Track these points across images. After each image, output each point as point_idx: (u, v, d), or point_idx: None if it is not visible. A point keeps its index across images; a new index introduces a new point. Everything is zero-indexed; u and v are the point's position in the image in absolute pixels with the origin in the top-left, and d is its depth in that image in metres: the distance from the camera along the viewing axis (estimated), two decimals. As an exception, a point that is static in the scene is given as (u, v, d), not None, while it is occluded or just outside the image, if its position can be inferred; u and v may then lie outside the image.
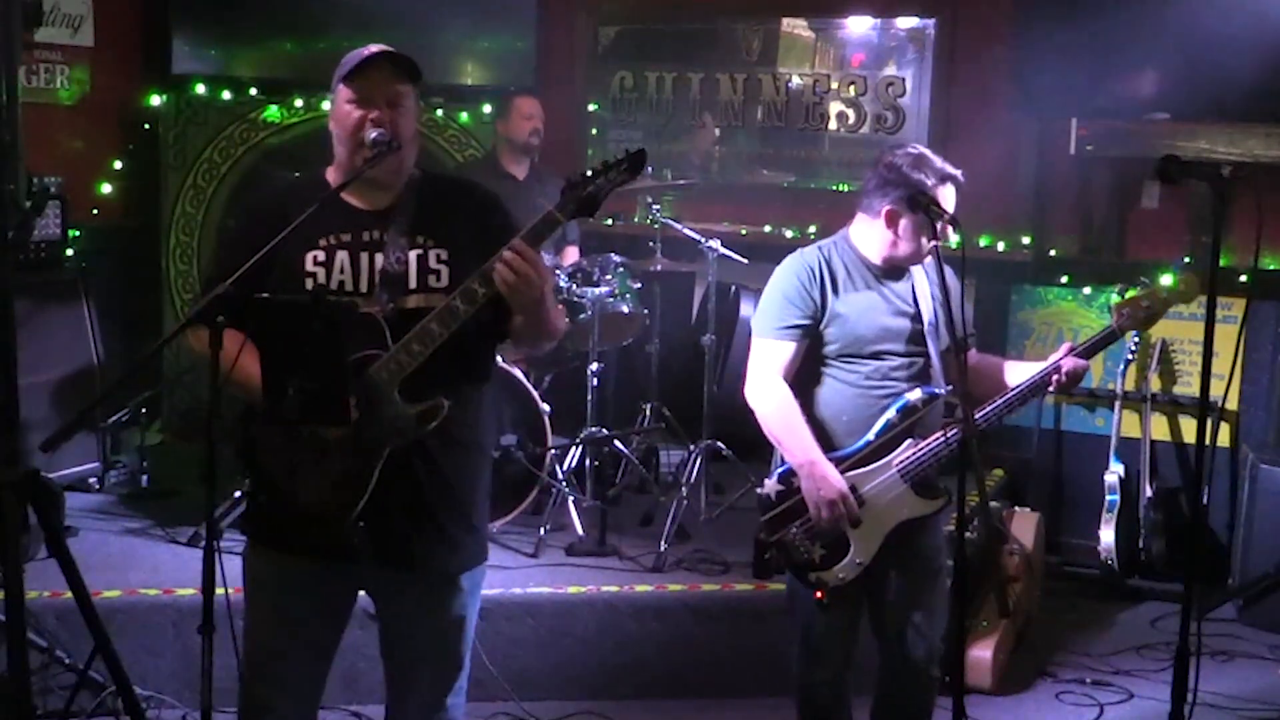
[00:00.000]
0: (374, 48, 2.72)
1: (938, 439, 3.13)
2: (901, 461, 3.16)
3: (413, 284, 2.68)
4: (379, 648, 2.91)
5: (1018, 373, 3.28)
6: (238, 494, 4.47)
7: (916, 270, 3.28)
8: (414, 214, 2.72)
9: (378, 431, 2.59)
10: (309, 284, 2.65)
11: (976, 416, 3.08)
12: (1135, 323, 3.25)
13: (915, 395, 3.18)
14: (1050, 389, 3.24)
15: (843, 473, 3.14)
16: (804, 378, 3.22)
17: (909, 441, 3.17)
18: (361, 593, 2.89)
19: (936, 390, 3.21)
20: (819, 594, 3.18)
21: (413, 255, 2.69)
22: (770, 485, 3.23)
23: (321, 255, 2.67)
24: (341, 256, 2.67)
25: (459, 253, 2.71)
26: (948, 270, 3.11)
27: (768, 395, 3.18)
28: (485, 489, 2.88)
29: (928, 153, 3.18)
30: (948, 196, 3.15)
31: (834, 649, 3.31)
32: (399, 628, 2.85)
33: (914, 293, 3.26)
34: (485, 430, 2.90)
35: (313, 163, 2.86)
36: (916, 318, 3.23)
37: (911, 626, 3.29)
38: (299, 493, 2.62)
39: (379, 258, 2.68)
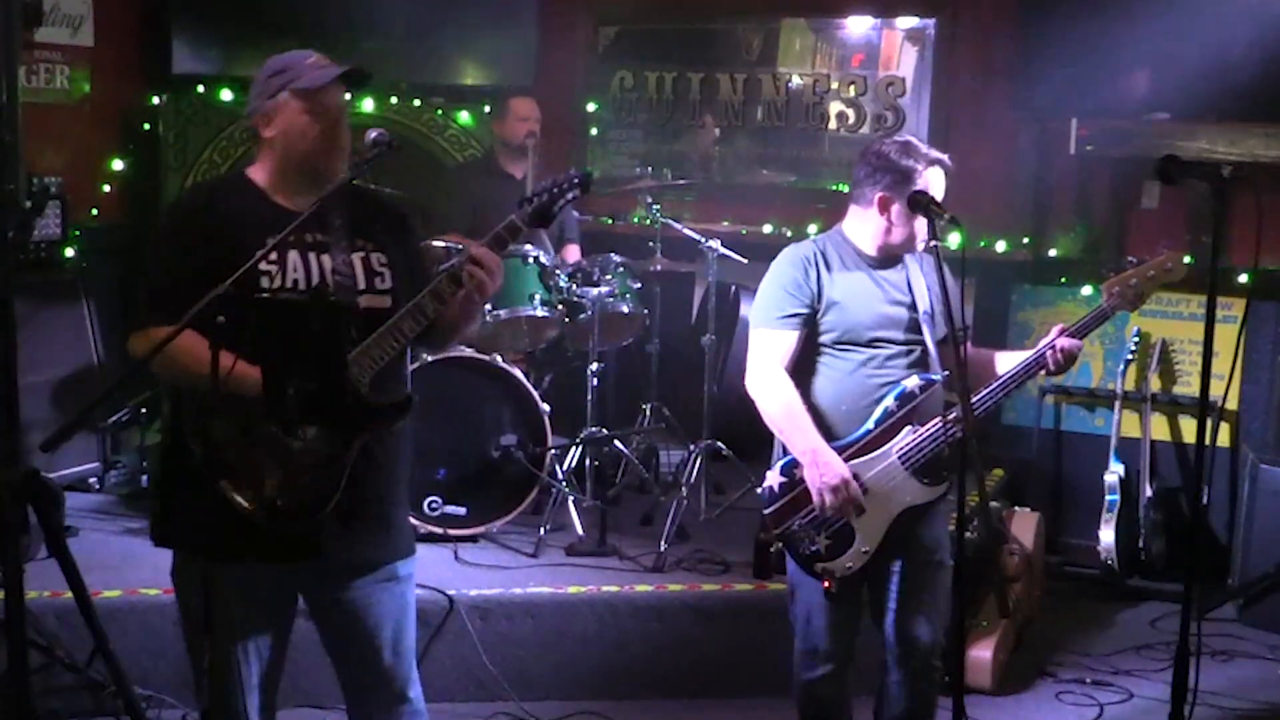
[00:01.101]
0: (321, 59, 2.75)
1: (937, 425, 3.14)
2: (902, 449, 3.18)
3: (361, 285, 2.74)
4: (328, 652, 2.92)
5: (1009, 361, 3.29)
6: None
7: (910, 261, 3.32)
8: (347, 218, 2.77)
9: (349, 425, 2.62)
10: (264, 282, 2.66)
11: (973, 401, 3.11)
12: (1125, 301, 3.25)
13: (913, 382, 3.21)
14: (1047, 370, 3.24)
15: (844, 461, 3.16)
16: (803, 367, 3.26)
17: (909, 428, 3.18)
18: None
19: (934, 377, 3.23)
20: (827, 584, 3.20)
21: (356, 258, 2.76)
22: (773, 478, 3.24)
23: (273, 254, 2.67)
24: (293, 256, 2.70)
25: (393, 257, 2.82)
26: (945, 268, 3.14)
27: (769, 386, 3.21)
28: (409, 479, 2.98)
29: (914, 140, 3.26)
30: (935, 180, 3.20)
31: (834, 645, 3.31)
32: (351, 624, 2.85)
33: (908, 282, 3.29)
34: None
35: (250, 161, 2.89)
36: (912, 306, 3.26)
37: (914, 617, 3.30)
38: (267, 492, 2.59)
39: (325, 259, 2.72)
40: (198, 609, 2.69)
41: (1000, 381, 3.21)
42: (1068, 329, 3.24)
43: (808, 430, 3.17)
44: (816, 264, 3.24)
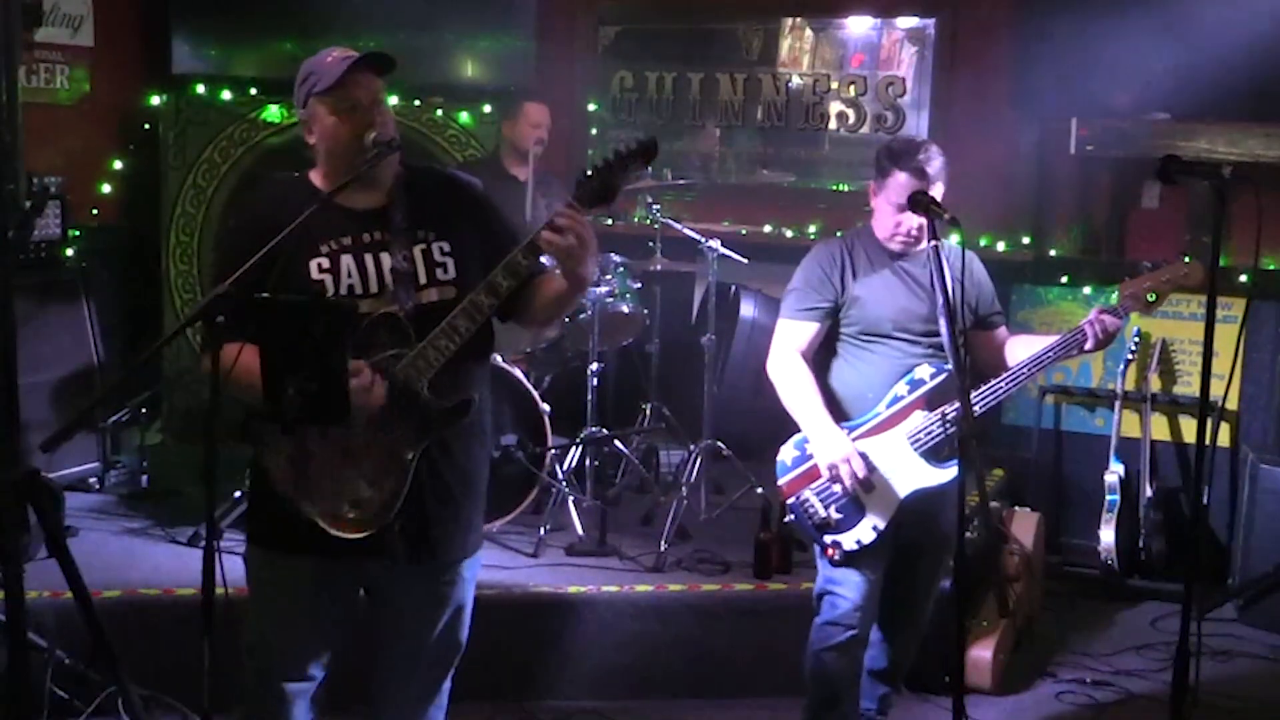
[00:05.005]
0: (341, 54, 2.72)
1: (948, 410, 3.30)
2: (911, 431, 3.36)
3: (423, 279, 2.71)
4: (377, 641, 2.94)
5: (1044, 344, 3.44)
6: (238, 494, 4.47)
7: (935, 254, 3.37)
8: (409, 210, 2.75)
9: (409, 429, 2.63)
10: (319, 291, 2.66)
11: (1019, 366, 3.35)
12: (1139, 304, 3.35)
13: (924, 370, 3.39)
14: (1086, 347, 3.36)
15: (853, 440, 3.36)
16: (829, 355, 3.49)
17: (919, 413, 3.36)
18: None
19: (945, 366, 3.37)
20: (830, 551, 3.37)
21: (417, 251, 2.72)
22: (786, 452, 3.45)
23: (325, 262, 2.67)
24: (346, 260, 2.69)
25: (459, 243, 2.76)
26: (969, 254, 3.40)
27: (785, 368, 3.45)
28: (487, 475, 2.95)
29: (913, 141, 3.48)
30: (900, 185, 3.34)
31: (854, 616, 3.44)
32: (405, 620, 2.87)
33: (930, 275, 3.35)
34: (486, 416, 2.94)
35: (313, 163, 2.86)
36: (933, 299, 3.39)
37: (916, 599, 3.63)
38: (333, 497, 2.61)
39: (385, 257, 2.70)
40: (267, 601, 2.75)
41: (1049, 347, 3.36)
42: (1106, 309, 3.36)
43: (816, 408, 3.38)
44: (842, 261, 3.47)
